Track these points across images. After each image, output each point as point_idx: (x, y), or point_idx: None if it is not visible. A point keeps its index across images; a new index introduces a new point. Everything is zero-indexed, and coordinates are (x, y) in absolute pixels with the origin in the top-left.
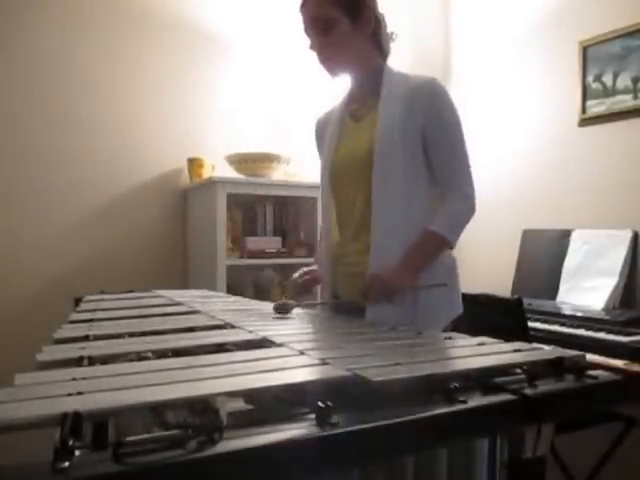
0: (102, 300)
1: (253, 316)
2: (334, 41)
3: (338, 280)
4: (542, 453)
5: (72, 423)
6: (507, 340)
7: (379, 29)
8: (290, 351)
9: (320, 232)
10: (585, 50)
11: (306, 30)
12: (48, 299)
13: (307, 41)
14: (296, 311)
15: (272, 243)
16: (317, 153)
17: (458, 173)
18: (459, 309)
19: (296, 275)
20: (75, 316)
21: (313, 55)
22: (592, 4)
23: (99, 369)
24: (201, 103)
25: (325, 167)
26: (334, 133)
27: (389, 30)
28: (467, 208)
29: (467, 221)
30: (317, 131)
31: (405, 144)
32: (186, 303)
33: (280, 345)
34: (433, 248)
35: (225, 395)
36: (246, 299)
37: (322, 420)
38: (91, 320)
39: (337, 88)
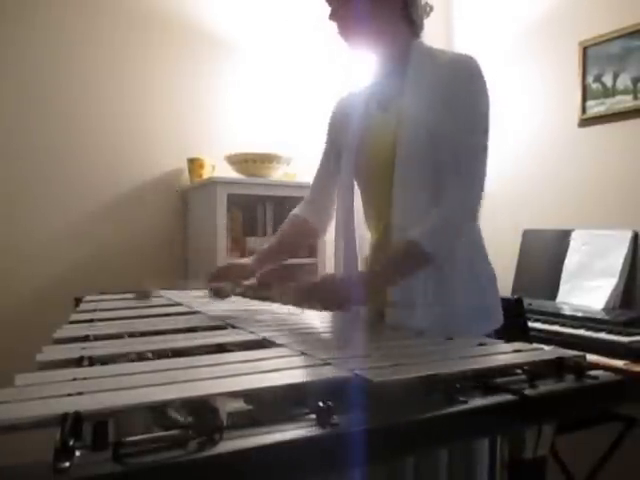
0: (102, 300)
1: (253, 316)
2: (359, 9)
3: None
4: (542, 453)
5: (72, 423)
6: (507, 340)
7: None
8: (291, 351)
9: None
10: (585, 50)
11: None
12: (48, 299)
13: (326, 11)
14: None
15: None
16: (325, 138)
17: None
18: (497, 322)
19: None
20: (75, 316)
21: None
22: (592, 4)
23: (99, 369)
24: (201, 103)
25: (348, 161)
26: (359, 122)
27: (423, 1)
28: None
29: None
30: (336, 113)
31: (433, 135)
32: (186, 303)
33: (281, 345)
34: (410, 263)
35: (225, 395)
36: (246, 299)
37: (323, 420)
38: (91, 320)
39: (337, 88)
